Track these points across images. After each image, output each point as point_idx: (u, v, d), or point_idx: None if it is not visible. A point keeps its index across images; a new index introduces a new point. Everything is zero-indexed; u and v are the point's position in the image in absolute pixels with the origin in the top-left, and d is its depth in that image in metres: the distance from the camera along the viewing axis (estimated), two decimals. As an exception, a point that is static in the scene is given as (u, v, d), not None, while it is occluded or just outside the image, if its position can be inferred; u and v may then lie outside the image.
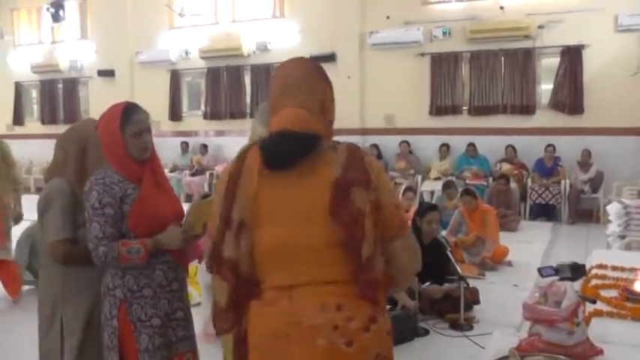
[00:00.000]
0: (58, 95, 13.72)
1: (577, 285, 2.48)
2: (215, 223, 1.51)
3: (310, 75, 1.58)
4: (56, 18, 12.53)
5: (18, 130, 14.04)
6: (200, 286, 4.27)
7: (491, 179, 9.15)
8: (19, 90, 14.12)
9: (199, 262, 4.67)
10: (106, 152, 2.19)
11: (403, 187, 6.90)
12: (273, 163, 1.48)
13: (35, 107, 14.47)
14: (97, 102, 12.72)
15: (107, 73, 12.73)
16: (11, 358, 3.72)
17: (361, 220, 1.45)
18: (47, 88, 13.74)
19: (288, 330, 1.45)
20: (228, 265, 1.48)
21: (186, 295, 2.36)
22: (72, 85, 13.44)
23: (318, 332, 1.44)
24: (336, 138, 1.57)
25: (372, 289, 1.48)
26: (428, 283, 4.43)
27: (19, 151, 13.43)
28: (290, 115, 1.51)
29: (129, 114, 2.16)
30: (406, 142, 10.09)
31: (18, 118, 14.14)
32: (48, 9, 12.54)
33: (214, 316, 1.60)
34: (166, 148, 10.97)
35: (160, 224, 2.16)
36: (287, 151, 1.48)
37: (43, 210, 2.33)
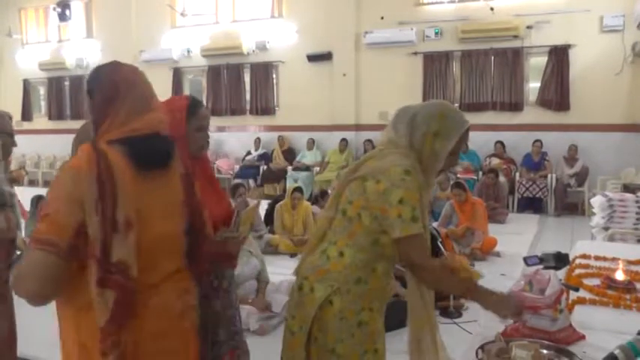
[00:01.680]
0: (64, 92, 13.85)
1: (561, 274, 2.53)
2: (95, 225, 1.38)
3: (147, 80, 1.64)
4: (62, 17, 12.65)
5: (26, 125, 14.14)
6: None
7: (481, 173, 9.24)
8: (27, 87, 14.23)
9: None
10: None
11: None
12: (151, 163, 1.53)
13: (43, 104, 14.53)
14: (102, 99, 13.10)
15: (112, 71, 12.97)
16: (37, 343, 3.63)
17: (202, 210, 1.67)
18: (54, 85, 13.87)
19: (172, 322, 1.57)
20: (118, 268, 1.40)
21: (235, 295, 2.30)
22: (78, 82, 13.52)
23: (183, 317, 1.59)
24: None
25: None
26: None
27: (27, 145, 13.88)
28: (155, 118, 1.57)
29: (195, 108, 2.12)
30: (400, 137, 10.22)
31: (26, 114, 14.23)
32: (55, 8, 12.66)
33: (102, 333, 1.40)
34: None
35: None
36: (163, 152, 1.57)
37: None
